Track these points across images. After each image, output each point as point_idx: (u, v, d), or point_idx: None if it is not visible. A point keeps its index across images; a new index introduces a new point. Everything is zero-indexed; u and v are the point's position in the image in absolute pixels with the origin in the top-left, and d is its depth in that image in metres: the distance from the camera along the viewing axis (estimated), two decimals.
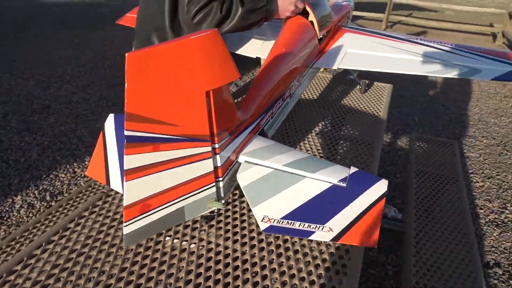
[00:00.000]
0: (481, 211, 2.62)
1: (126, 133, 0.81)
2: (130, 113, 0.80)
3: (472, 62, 1.65)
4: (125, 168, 0.85)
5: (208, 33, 0.81)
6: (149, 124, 0.83)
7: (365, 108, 2.10)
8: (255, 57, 1.78)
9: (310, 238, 0.94)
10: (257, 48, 1.82)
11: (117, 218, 1.15)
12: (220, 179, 1.04)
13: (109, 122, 1.25)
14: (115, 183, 1.14)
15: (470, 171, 3.14)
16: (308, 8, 1.60)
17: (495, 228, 2.48)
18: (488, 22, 12.44)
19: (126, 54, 0.73)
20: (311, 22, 1.63)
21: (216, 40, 0.83)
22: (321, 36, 1.70)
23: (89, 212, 1.17)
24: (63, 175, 2.87)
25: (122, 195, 0.90)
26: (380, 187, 1.01)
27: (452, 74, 1.60)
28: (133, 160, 0.85)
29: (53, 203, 2.57)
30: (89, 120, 3.71)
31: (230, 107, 1.02)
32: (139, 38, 1.53)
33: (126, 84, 0.76)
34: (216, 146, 0.98)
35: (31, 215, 2.47)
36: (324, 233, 0.95)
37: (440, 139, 2.49)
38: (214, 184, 1.03)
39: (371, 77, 2.58)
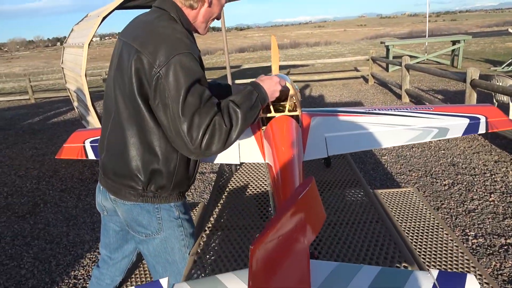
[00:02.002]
0: None
1: None
2: None
3: (437, 123, 1.79)
4: None
5: (310, 184, 0.70)
6: None
7: (344, 182, 2.11)
8: (239, 162, 1.67)
9: None
10: (235, 153, 1.71)
11: None
12: None
13: None
14: None
15: None
16: (289, 85, 1.57)
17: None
18: (351, 67, 14.40)
19: (251, 247, 0.58)
20: (294, 105, 1.61)
21: (314, 187, 0.73)
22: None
23: None
24: None
25: None
26: (472, 284, 0.95)
27: (429, 137, 1.70)
28: None
29: None
30: (8, 269, 3.05)
31: None
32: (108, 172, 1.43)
33: (250, 277, 0.60)
34: None
35: None
36: None
37: (399, 189, 2.63)
38: None
39: None
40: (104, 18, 4.29)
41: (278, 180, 1.33)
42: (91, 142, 1.91)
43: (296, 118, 1.66)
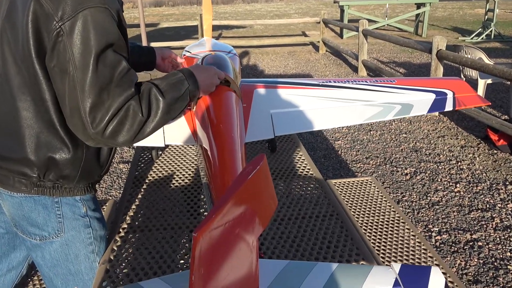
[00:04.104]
0: None
1: None
2: None
3: (400, 98, 1.95)
4: None
5: (262, 162, 0.76)
6: None
7: (293, 169, 2.22)
8: (163, 145, 1.69)
9: None
10: (159, 133, 1.72)
11: None
12: None
13: None
14: None
15: None
16: (227, 78, 1.62)
17: None
18: (298, 31, 14.78)
19: (194, 235, 0.63)
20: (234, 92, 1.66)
21: (266, 167, 0.79)
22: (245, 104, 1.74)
23: None
24: None
25: None
26: (437, 276, 1.09)
27: (390, 115, 1.85)
28: None
29: None
30: None
31: None
32: None
33: (193, 271, 0.65)
34: None
35: None
36: None
37: (356, 179, 2.81)
38: None
39: None
40: None
41: (215, 167, 1.37)
42: None
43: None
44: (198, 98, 1.51)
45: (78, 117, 1.16)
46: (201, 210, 1.92)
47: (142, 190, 2.12)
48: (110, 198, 3.77)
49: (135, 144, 1.73)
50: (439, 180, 4.00)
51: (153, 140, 1.71)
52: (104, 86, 1.15)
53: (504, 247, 3.00)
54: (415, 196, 3.72)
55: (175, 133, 1.68)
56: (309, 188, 2.09)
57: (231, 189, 0.70)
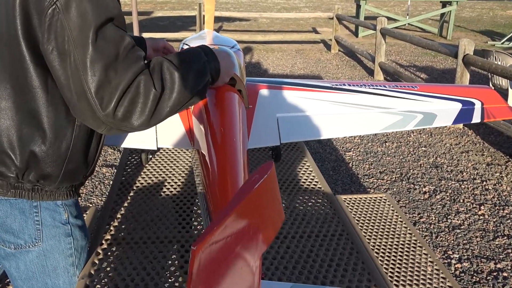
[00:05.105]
0: None
1: None
2: None
3: (422, 106, 1.97)
4: None
5: (270, 171, 0.77)
6: None
7: (299, 182, 2.23)
8: (156, 148, 1.70)
9: None
10: (151, 134, 1.74)
11: None
12: None
13: None
14: None
15: None
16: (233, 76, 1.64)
17: None
18: (308, 27, 14.85)
19: (193, 248, 0.64)
20: (239, 91, 1.68)
21: (274, 176, 0.80)
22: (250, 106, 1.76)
23: None
24: None
25: None
26: None
27: (411, 125, 1.87)
28: None
29: None
30: None
31: None
32: None
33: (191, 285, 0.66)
34: None
35: None
36: None
37: (368, 195, 2.82)
38: None
39: None
40: None
41: (213, 175, 1.38)
42: None
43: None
44: (217, 84, 1.48)
45: (85, 101, 1.15)
46: (194, 223, 1.93)
47: (129, 197, 2.13)
48: (91, 205, 3.77)
49: (123, 146, 1.75)
50: (461, 200, 4.02)
51: (144, 142, 1.73)
52: (109, 63, 1.14)
53: None
54: (433, 218, 3.73)
55: (170, 135, 1.70)
56: (316, 204, 2.10)
57: (235, 199, 0.71)
